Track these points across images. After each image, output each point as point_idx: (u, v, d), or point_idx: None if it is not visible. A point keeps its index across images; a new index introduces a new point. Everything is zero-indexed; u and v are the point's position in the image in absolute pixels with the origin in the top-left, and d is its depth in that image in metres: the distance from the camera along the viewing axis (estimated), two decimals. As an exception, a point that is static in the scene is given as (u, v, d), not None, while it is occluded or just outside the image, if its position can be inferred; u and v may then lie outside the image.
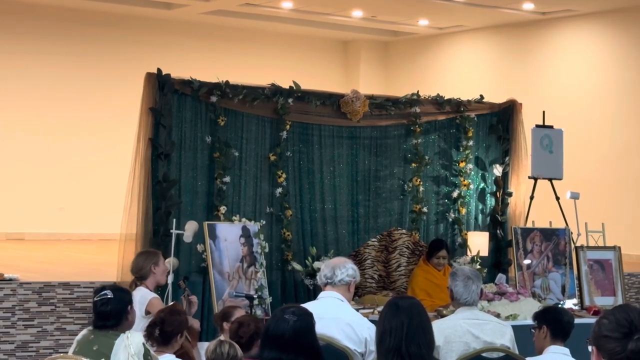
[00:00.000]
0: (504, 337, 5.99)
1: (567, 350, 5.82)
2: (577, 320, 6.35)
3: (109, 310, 5.24)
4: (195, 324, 7.64)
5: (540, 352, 5.89)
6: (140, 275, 7.49)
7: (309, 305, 5.78)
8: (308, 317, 4.39)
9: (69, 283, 8.80)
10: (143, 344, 5.19)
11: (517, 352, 6.01)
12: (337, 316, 5.65)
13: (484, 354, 5.81)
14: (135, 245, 8.56)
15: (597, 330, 3.18)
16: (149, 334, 5.56)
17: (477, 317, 6.05)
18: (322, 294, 5.84)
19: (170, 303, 7.82)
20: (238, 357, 5.31)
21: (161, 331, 5.59)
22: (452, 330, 5.76)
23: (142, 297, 7.09)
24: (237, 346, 5.38)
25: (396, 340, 4.33)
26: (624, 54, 15.03)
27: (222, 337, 6.75)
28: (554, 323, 5.85)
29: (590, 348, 3.18)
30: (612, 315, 3.19)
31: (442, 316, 7.34)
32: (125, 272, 8.45)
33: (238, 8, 15.89)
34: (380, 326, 4.47)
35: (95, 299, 5.31)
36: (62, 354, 5.48)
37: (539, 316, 5.96)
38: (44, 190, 15.66)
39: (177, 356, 5.93)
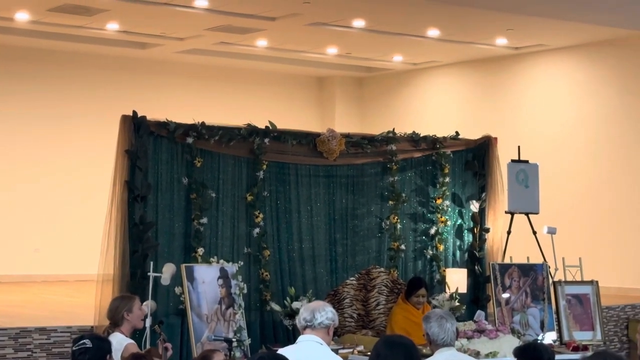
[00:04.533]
0: (484, 377, 5.98)
1: (546, 388, 5.81)
2: (556, 357, 6.35)
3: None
4: None
5: (520, 389, 5.88)
6: (114, 321, 7.43)
7: (288, 349, 5.76)
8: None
9: (45, 328, 8.71)
10: (121, 393, 5.15)
11: (497, 392, 6.00)
12: (316, 360, 5.62)
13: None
14: (113, 288, 8.50)
15: (576, 377, 3.19)
16: None
17: (456, 358, 6.04)
18: (301, 338, 5.81)
19: (147, 348, 7.78)
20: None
21: None
22: (432, 372, 5.74)
23: (118, 343, 7.02)
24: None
25: None
26: (596, 88, 15.16)
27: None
28: (534, 361, 5.84)
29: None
30: (591, 361, 3.20)
31: (423, 355, 7.31)
32: (103, 315, 8.37)
33: (213, 47, 15.93)
34: None
35: (74, 348, 5.26)
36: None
37: (519, 354, 5.95)
38: (19, 231, 15.56)
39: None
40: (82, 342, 5.26)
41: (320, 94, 19.23)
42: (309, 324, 5.74)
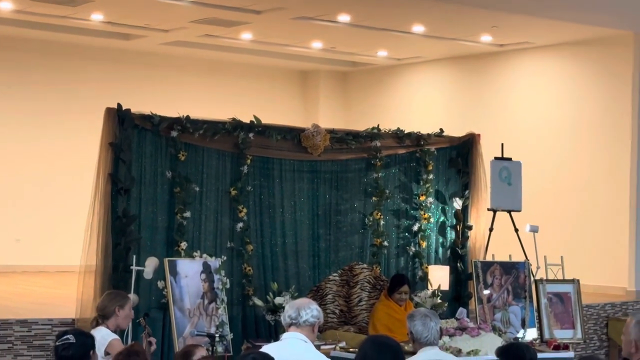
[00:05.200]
0: (467, 377, 5.99)
1: (528, 388, 5.82)
2: (538, 355, 6.36)
3: (71, 355, 5.16)
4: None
5: (502, 389, 5.89)
6: (103, 314, 7.39)
7: (272, 346, 5.76)
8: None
9: (26, 320, 8.68)
10: (104, 389, 5.12)
11: (480, 391, 6.02)
12: (300, 358, 5.62)
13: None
14: (95, 281, 8.49)
15: (563, 382, 3.19)
16: None
17: (439, 357, 6.05)
18: (285, 335, 5.80)
19: (130, 342, 7.75)
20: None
21: None
22: (416, 371, 5.74)
23: (102, 338, 6.99)
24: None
25: None
26: (580, 86, 15.20)
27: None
28: (517, 361, 5.85)
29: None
30: (578, 366, 3.20)
31: (405, 352, 7.32)
32: (85, 308, 8.38)
33: (197, 39, 15.87)
34: None
35: (57, 343, 5.23)
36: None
37: (502, 353, 5.96)
38: (0, 221, 15.47)
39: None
40: (65, 337, 5.22)
41: (304, 88, 19.20)
42: (294, 321, 5.73)
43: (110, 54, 16.65)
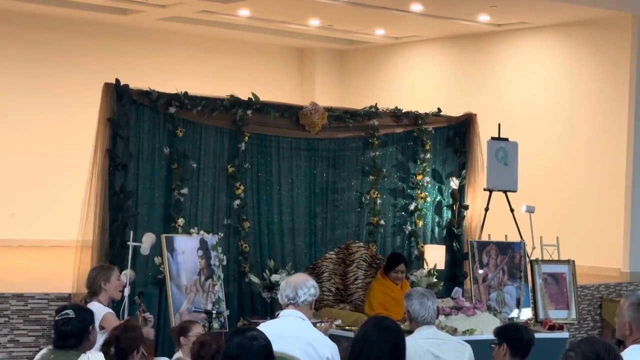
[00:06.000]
0: (464, 356, 6.01)
1: (525, 368, 5.86)
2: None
3: (70, 330, 5.18)
4: (150, 334, 7.58)
5: (499, 369, 5.93)
6: (91, 290, 7.42)
7: (270, 324, 5.77)
8: (268, 340, 4.35)
9: (23, 294, 8.70)
10: (104, 364, 5.14)
11: (476, 371, 6.04)
12: (298, 335, 5.62)
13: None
14: (92, 257, 8.50)
15: (564, 363, 3.21)
16: (104, 352, 5.51)
17: (436, 337, 6.07)
18: (283, 312, 5.81)
19: (126, 318, 7.77)
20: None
21: (117, 349, 5.58)
22: (412, 350, 5.73)
23: (96, 312, 6.97)
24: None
25: None
26: (577, 67, 15.19)
27: (179, 354, 6.74)
28: (514, 341, 5.88)
29: (557, 380, 3.21)
30: (579, 347, 3.23)
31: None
32: (81, 283, 8.38)
33: (195, 15, 15.81)
34: (357, 350, 4.41)
35: (57, 318, 5.25)
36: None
37: (500, 333, 6.00)
38: (-5, 196, 15.47)
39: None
40: (64, 312, 5.24)
41: (301, 66, 19.16)
42: (292, 301, 5.74)
43: (108, 29, 16.59)
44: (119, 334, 5.67)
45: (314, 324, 6.50)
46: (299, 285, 5.77)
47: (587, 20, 14.80)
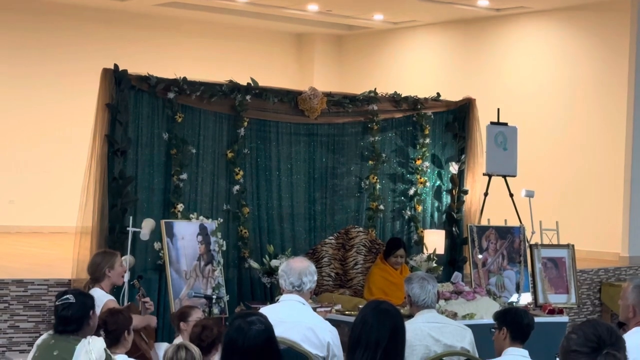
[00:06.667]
0: (464, 340, 6.02)
1: (525, 352, 5.88)
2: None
3: (70, 315, 5.19)
4: (152, 321, 7.59)
5: (499, 353, 5.94)
6: (94, 277, 7.42)
7: (270, 308, 5.78)
8: (269, 325, 4.35)
9: (22, 280, 8.69)
10: (105, 349, 5.15)
11: (477, 355, 6.05)
12: (298, 320, 5.64)
13: (444, 358, 5.83)
14: (91, 242, 8.48)
15: (565, 345, 3.21)
16: None
17: (436, 320, 6.09)
18: (284, 297, 5.81)
19: (127, 303, 7.78)
20: (195, 362, 5.27)
21: (106, 332, 5.65)
22: (413, 334, 5.76)
23: (98, 300, 6.98)
24: (194, 350, 5.34)
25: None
26: (576, 51, 15.17)
27: (180, 339, 6.74)
28: (514, 325, 5.90)
29: (559, 363, 3.20)
30: (581, 330, 3.22)
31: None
32: (81, 269, 8.38)
33: (193, 0, 15.78)
34: (356, 334, 4.41)
35: (57, 303, 5.25)
36: (21, 360, 5.40)
37: (499, 317, 6.01)
38: (-7, 182, 15.46)
39: (135, 358, 5.91)
40: (65, 297, 5.25)
41: (300, 51, 19.13)
42: (297, 288, 5.75)
43: (106, 15, 16.55)
44: (105, 318, 5.78)
45: (314, 309, 6.51)
46: (303, 272, 5.78)
47: (586, 4, 14.78)
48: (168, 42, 17.17)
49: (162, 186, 8.99)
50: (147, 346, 7.09)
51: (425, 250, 10.24)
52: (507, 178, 11.78)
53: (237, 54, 17.62)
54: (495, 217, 11.00)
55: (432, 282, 6.15)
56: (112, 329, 5.66)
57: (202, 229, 8.82)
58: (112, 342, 5.66)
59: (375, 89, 10.39)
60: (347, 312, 8.50)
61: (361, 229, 10.09)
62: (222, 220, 9.11)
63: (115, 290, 7.92)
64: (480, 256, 10.17)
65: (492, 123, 11.71)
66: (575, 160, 14.84)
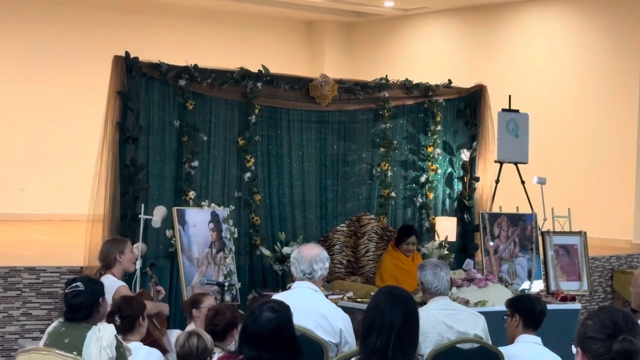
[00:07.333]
0: (477, 327, 6.01)
1: (538, 339, 5.87)
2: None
3: (80, 303, 5.18)
4: (165, 309, 7.60)
5: (512, 340, 5.94)
6: (105, 263, 7.42)
7: (282, 296, 5.77)
8: (287, 312, 4.34)
9: (35, 268, 8.70)
10: (115, 335, 5.14)
11: (490, 341, 6.03)
12: (311, 307, 5.63)
13: (458, 345, 5.82)
14: (103, 230, 8.48)
15: (581, 332, 3.19)
16: (111, 323, 5.54)
17: (450, 307, 6.07)
18: (296, 284, 5.82)
19: (138, 290, 7.79)
20: (208, 349, 5.27)
21: (121, 318, 5.64)
22: (426, 321, 5.75)
23: (109, 286, 7.02)
24: (206, 337, 5.33)
25: (382, 344, 4.29)
26: (589, 38, 15.10)
27: (192, 326, 6.75)
28: (527, 312, 5.90)
29: (574, 349, 3.19)
30: (597, 316, 3.20)
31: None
32: (92, 256, 8.37)
33: (203, -13, 15.78)
34: (370, 319, 4.40)
35: (67, 290, 5.24)
36: (34, 347, 5.39)
37: (512, 304, 6.00)
38: (5, 170, 15.47)
39: (147, 344, 5.91)
40: (74, 284, 5.24)
41: (310, 38, 19.10)
42: (308, 276, 5.75)
43: (118, 2, 16.54)
44: (119, 304, 5.79)
45: (326, 296, 6.51)
46: (314, 259, 5.77)
47: (599, -9, 14.71)
48: (179, 28, 17.16)
49: (174, 173, 8.98)
50: (159, 333, 7.09)
51: (436, 238, 10.22)
52: (519, 165, 11.74)
53: (248, 42, 17.60)
54: (507, 204, 10.97)
55: (445, 268, 6.13)
56: (127, 314, 5.66)
57: (214, 216, 8.81)
58: (127, 329, 5.67)
59: (386, 75, 10.36)
60: (358, 300, 8.49)
61: (373, 216, 10.08)
62: (233, 207, 9.10)
63: (127, 278, 7.92)
64: (491, 243, 10.15)
65: (503, 110, 11.68)
66: (587, 147, 14.79)
